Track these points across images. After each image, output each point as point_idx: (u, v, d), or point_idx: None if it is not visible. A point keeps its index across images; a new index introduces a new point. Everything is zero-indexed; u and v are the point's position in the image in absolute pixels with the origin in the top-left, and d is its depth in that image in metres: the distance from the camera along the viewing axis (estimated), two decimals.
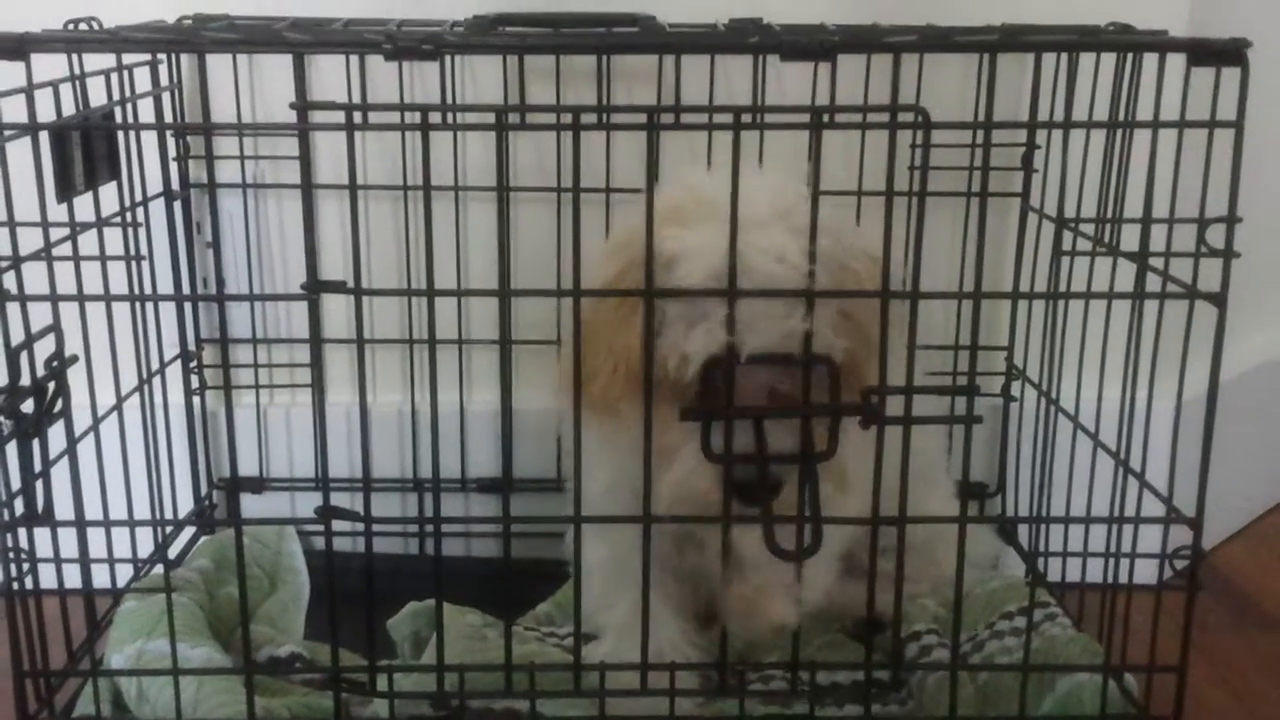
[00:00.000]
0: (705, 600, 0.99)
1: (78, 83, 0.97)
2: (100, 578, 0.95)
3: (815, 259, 0.78)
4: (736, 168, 0.76)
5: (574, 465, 0.83)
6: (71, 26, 0.98)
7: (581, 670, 0.86)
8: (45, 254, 0.88)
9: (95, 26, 0.99)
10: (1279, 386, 1.42)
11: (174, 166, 1.19)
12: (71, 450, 0.89)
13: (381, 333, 1.26)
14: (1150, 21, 1.05)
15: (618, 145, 1.19)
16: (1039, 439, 1.14)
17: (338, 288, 0.80)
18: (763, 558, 0.83)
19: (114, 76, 1.03)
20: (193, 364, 1.23)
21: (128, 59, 1.06)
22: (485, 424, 1.27)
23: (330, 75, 1.20)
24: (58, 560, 0.90)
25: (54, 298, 0.87)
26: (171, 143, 1.18)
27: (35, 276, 0.86)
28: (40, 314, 0.86)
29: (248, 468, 1.27)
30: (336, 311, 1.12)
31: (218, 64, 1.19)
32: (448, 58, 1.18)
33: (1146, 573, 0.92)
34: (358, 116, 0.78)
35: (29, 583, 0.88)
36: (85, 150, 0.97)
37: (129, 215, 1.06)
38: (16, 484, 0.86)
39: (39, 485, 0.87)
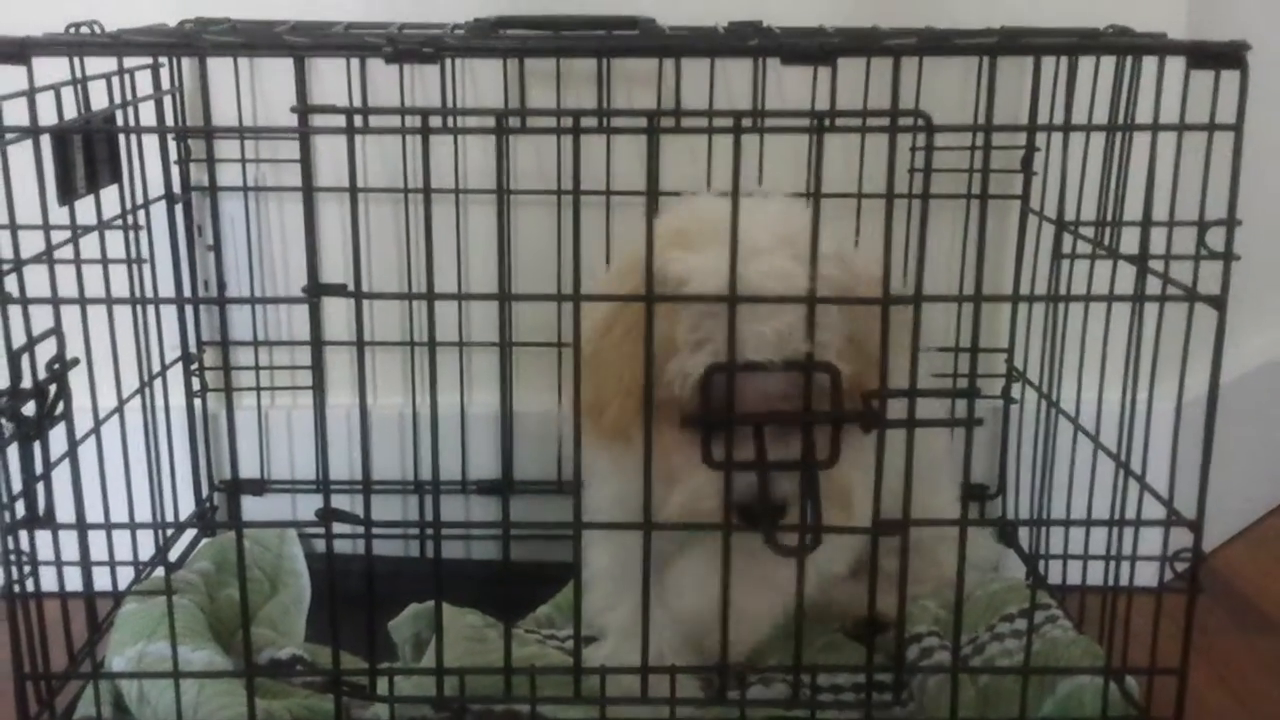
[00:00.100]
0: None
1: (79, 86, 0.97)
2: (101, 580, 0.95)
3: (816, 260, 0.79)
4: (737, 171, 0.77)
5: (574, 470, 0.83)
6: (73, 30, 0.98)
7: (582, 673, 0.87)
8: (47, 257, 0.88)
9: (97, 30, 0.99)
10: (1279, 388, 1.42)
11: (175, 169, 1.19)
12: (73, 452, 0.89)
13: (382, 335, 1.26)
14: (1148, 24, 1.06)
15: (618, 149, 1.19)
16: (1039, 441, 1.14)
17: (338, 291, 0.80)
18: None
19: (115, 80, 1.03)
20: (194, 366, 1.23)
21: (129, 62, 1.06)
22: (485, 426, 1.27)
23: (331, 78, 1.20)
24: (59, 562, 0.90)
25: (55, 300, 0.87)
26: (173, 146, 1.19)
27: (37, 279, 0.86)
28: (42, 316, 0.86)
29: (248, 470, 1.28)
30: (337, 314, 1.12)
31: (219, 67, 1.20)
32: (448, 61, 1.18)
33: (1147, 575, 0.92)
34: (358, 120, 0.79)
35: (30, 585, 0.88)
36: (87, 153, 0.97)
37: (130, 218, 1.07)
38: (18, 486, 0.86)
39: (40, 487, 0.87)
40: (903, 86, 0.81)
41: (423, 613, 1.04)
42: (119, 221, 1.05)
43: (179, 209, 1.19)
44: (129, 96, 1.06)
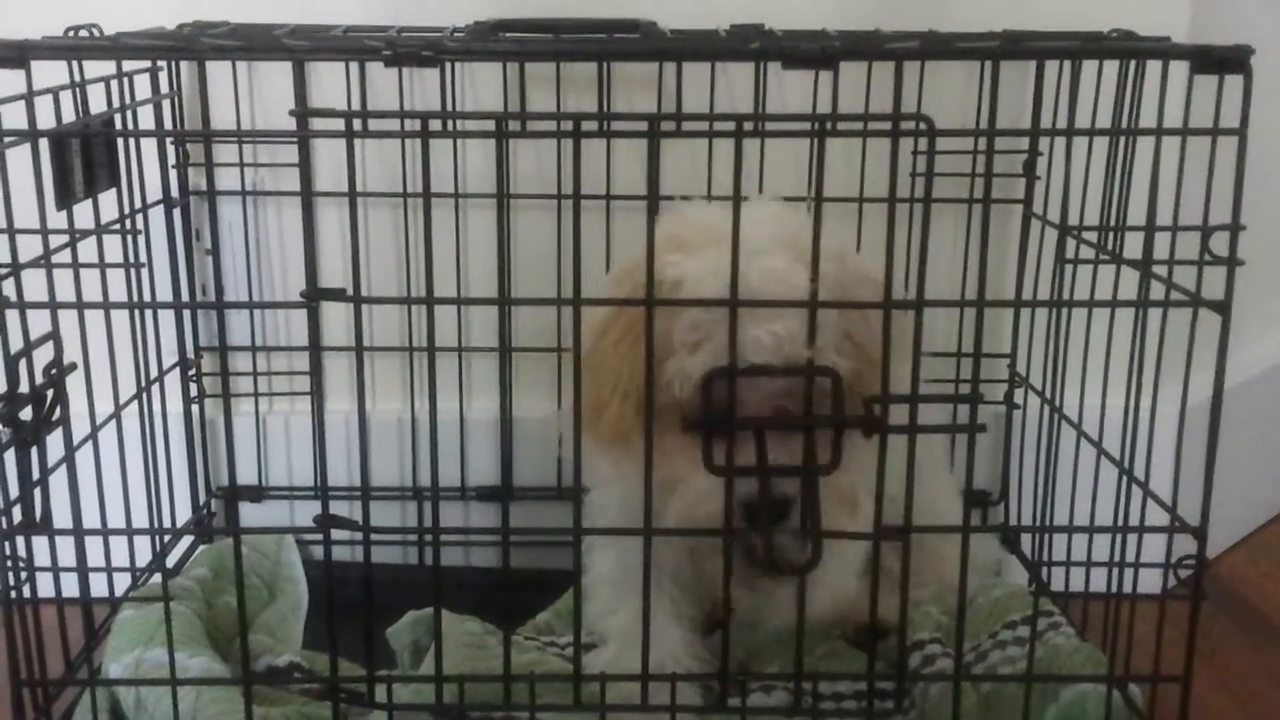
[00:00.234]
0: (710, 609, 0.99)
1: (78, 90, 0.97)
2: (98, 586, 0.95)
3: (817, 265, 0.78)
4: (738, 175, 0.76)
5: (574, 475, 0.83)
6: (72, 33, 0.98)
7: (582, 681, 0.86)
8: (44, 261, 0.87)
9: (95, 34, 0.99)
10: None
11: (173, 174, 1.19)
12: (70, 458, 0.89)
13: (381, 340, 1.26)
14: (1152, 28, 1.05)
15: (618, 152, 1.19)
16: (1042, 447, 1.13)
17: (337, 295, 0.80)
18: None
19: (114, 83, 1.03)
20: (191, 372, 1.22)
21: (127, 66, 1.06)
22: (485, 432, 1.26)
23: (330, 82, 1.20)
24: (55, 569, 0.90)
25: (53, 305, 0.86)
26: (171, 150, 1.18)
27: (34, 284, 0.85)
28: (39, 321, 0.86)
29: (246, 476, 1.27)
30: (336, 319, 1.12)
31: (217, 71, 1.19)
32: (448, 64, 1.18)
33: (1150, 582, 0.91)
34: (357, 124, 0.78)
35: (26, 591, 0.87)
36: (85, 157, 0.97)
37: (128, 223, 1.06)
38: (14, 492, 0.86)
39: (37, 493, 0.87)
40: (905, 90, 0.80)
41: (422, 619, 1.04)
42: (117, 226, 1.05)
43: (177, 213, 1.19)
44: (127, 100, 1.06)
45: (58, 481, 0.88)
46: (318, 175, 1.22)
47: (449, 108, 1.19)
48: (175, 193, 1.19)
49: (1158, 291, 0.88)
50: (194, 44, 0.91)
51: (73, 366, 0.90)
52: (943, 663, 0.98)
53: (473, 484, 1.28)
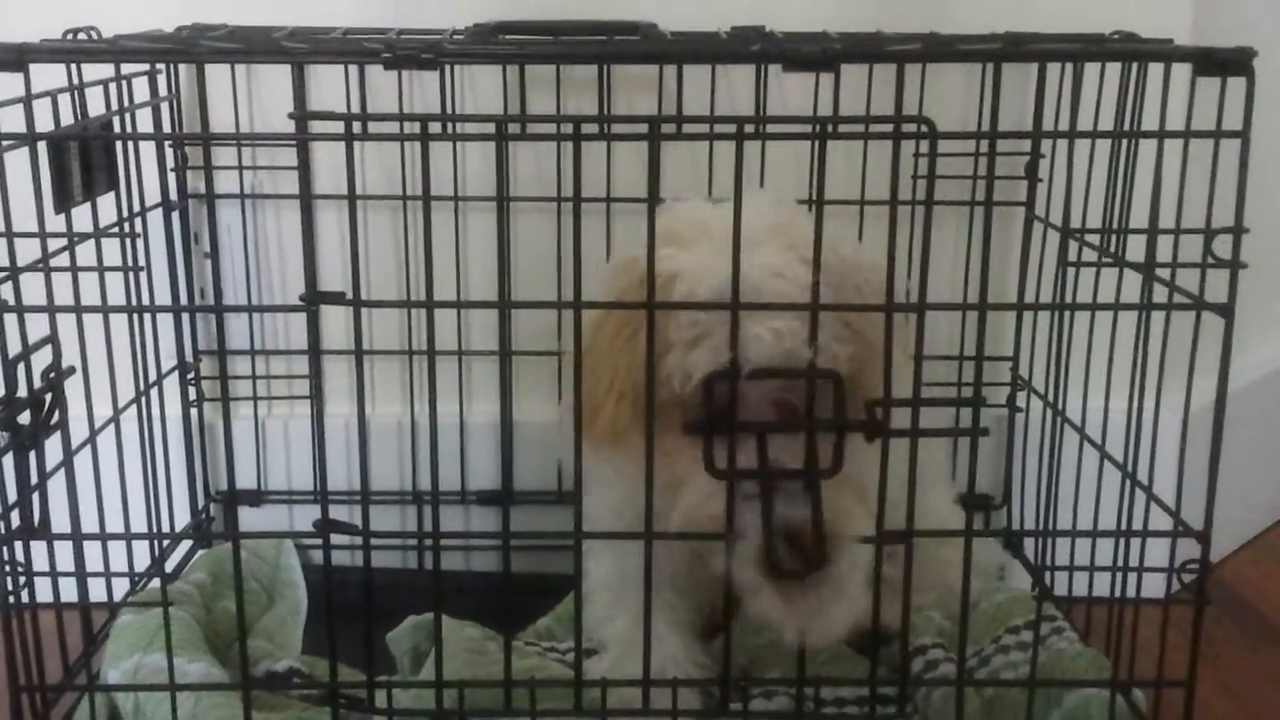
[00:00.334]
0: (710, 614, 0.98)
1: (76, 93, 0.96)
2: (97, 591, 0.95)
3: (818, 266, 0.78)
4: (739, 178, 0.76)
5: (574, 478, 0.82)
6: (70, 36, 0.97)
7: (583, 686, 0.86)
8: (43, 265, 0.87)
9: (94, 36, 0.99)
10: None
11: (172, 177, 1.18)
12: (68, 462, 0.89)
13: (381, 344, 1.26)
14: (1154, 30, 1.05)
15: (619, 155, 1.19)
16: (1045, 451, 1.13)
17: (336, 299, 0.79)
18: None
19: (112, 86, 1.03)
20: (190, 376, 1.22)
21: (126, 69, 1.06)
22: (485, 435, 1.26)
23: (329, 85, 1.20)
24: (54, 574, 0.90)
25: (51, 309, 0.86)
26: (170, 153, 1.18)
27: (33, 287, 0.85)
28: (37, 325, 0.85)
29: (245, 480, 1.27)
30: (335, 322, 1.12)
31: (216, 74, 1.19)
32: (447, 67, 1.17)
33: (1154, 586, 0.91)
34: (357, 126, 0.78)
35: (25, 596, 0.87)
36: (83, 161, 0.97)
37: (127, 226, 1.06)
38: (12, 496, 0.85)
39: (35, 498, 0.87)
40: (906, 92, 0.80)
41: (422, 625, 1.03)
42: (115, 229, 1.05)
43: (176, 216, 1.19)
44: (126, 103, 1.05)
45: (56, 486, 0.88)
46: (317, 178, 1.22)
47: (449, 110, 1.18)
48: (174, 196, 1.19)
49: (1160, 294, 0.88)
50: (193, 47, 0.91)
51: (71, 370, 0.90)
52: (945, 668, 0.98)
53: (473, 488, 1.27)
